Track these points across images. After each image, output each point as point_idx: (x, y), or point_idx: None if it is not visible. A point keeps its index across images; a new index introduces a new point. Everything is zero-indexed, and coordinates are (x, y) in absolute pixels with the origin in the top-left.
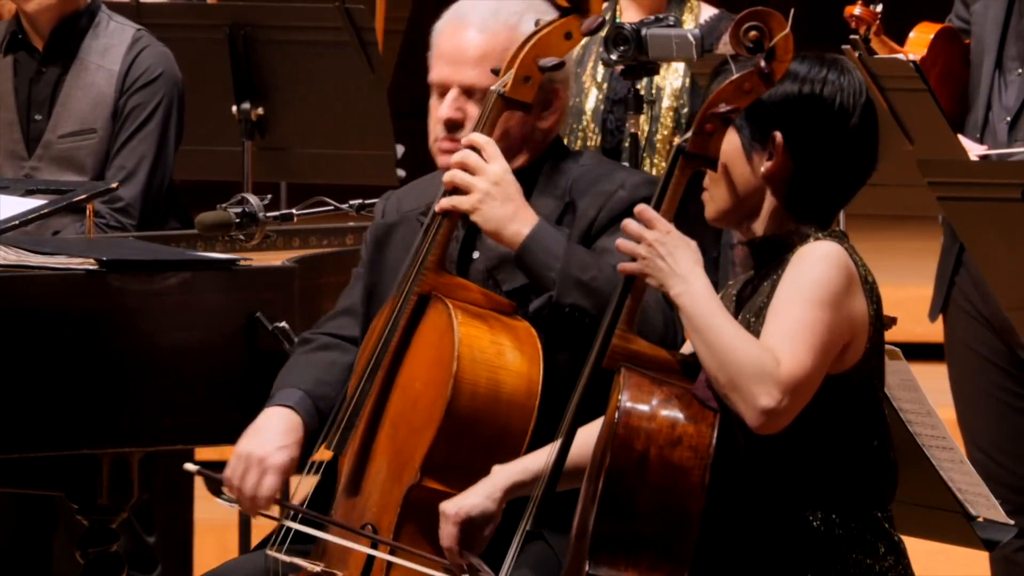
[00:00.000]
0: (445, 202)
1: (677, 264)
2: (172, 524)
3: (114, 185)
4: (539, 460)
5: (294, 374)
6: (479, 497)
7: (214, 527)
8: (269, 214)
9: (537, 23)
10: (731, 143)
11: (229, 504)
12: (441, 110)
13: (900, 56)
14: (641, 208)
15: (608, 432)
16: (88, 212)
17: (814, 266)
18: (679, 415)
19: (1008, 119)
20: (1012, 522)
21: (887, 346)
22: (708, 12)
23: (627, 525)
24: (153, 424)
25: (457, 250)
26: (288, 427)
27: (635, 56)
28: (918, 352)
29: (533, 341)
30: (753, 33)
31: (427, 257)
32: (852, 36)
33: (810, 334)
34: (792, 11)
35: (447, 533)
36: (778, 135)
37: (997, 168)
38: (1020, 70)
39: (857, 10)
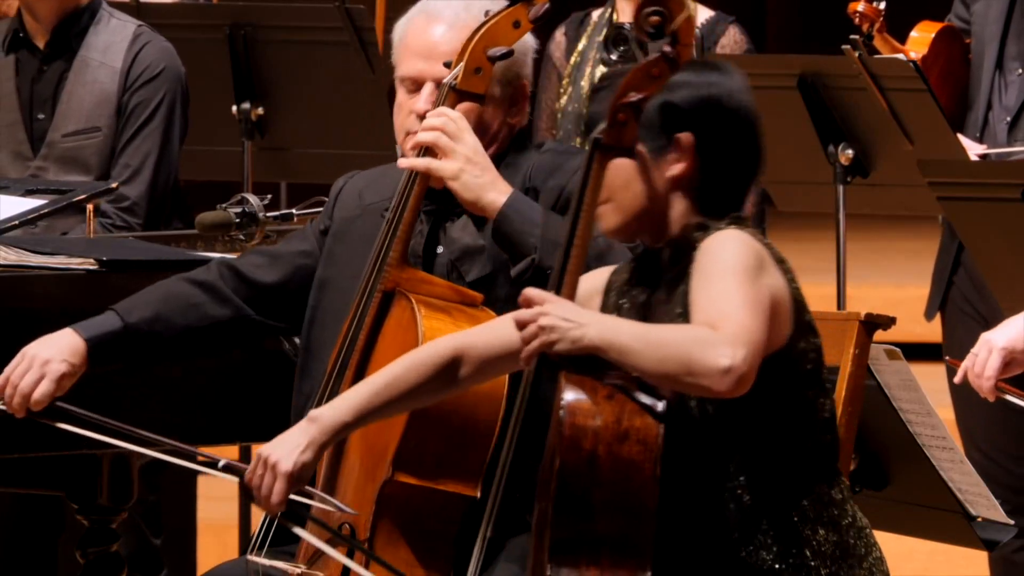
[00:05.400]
0: (422, 162)
1: (574, 316)
2: (175, 525)
3: (114, 185)
4: (354, 408)
5: (145, 299)
6: (307, 451)
7: (214, 527)
8: (269, 214)
9: (486, 14)
10: (627, 167)
11: None
12: (419, 103)
13: (900, 56)
14: (524, 293)
15: (555, 434)
16: (88, 212)
17: (721, 248)
18: (623, 409)
19: (1008, 119)
20: (1012, 522)
21: (887, 346)
22: (705, 14)
23: (584, 525)
24: (153, 424)
25: (422, 244)
26: (76, 351)
27: (635, 56)
28: (918, 352)
29: None
30: (654, 18)
31: (388, 253)
32: (852, 36)
33: (738, 297)
34: None
35: (279, 490)
36: (686, 137)
37: (997, 168)
38: (1020, 70)
39: (861, 7)
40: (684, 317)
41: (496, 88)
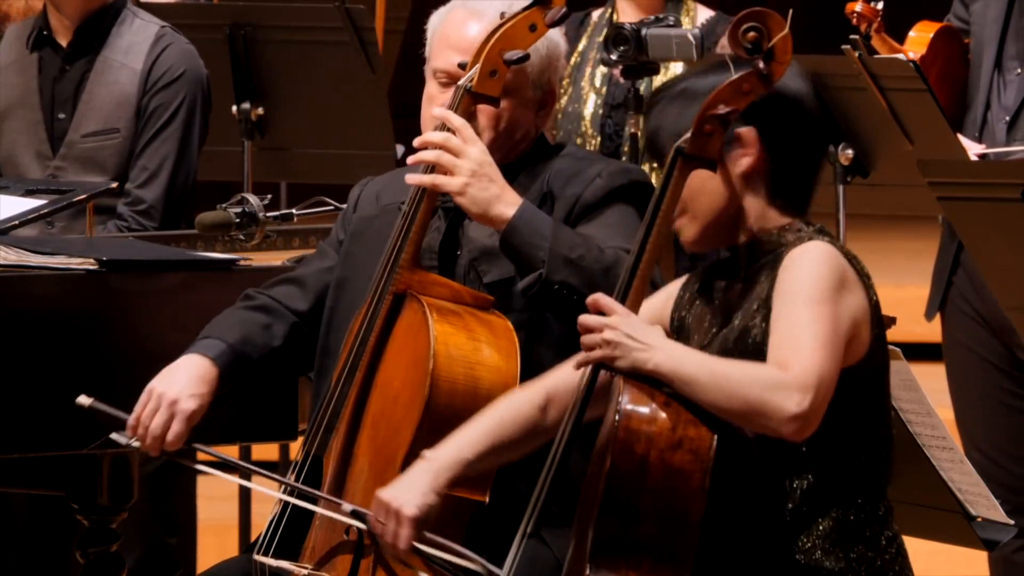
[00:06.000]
0: (427, 178)
1: (641, 336)
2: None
3: (114, 185)
4: (475, 448)
5: (224, 326)
6: (430, 494)
7: (214, 527)
8: (269, 214)
9: (502, 16)
10: (711, 179)
11: (126, 442)
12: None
13: (900, 56)
14: (595, 298)
15: (608, 435)
16: (88, 211)
17: (804, 268)
18: (679, 418)
19: (1007, 119)
20: (1012, 522)
21: (887, 346)
22: (705, 14)
23: (628, 529)
24: None
25: (439, 242)
26: (203, 377)
27: (635, 56)
28: (918, 352)
29: (510, 335)
30: (752, 34)
31: (400, 255)
32: (852, 36)
33: (814, 332)
34: (791, 12)
35: (404, 536)
36: (747, 131)
37: (997, 168)
38: (1019, 69)
39: (858, 7)
40: (763, 319)
41: (529, 91)
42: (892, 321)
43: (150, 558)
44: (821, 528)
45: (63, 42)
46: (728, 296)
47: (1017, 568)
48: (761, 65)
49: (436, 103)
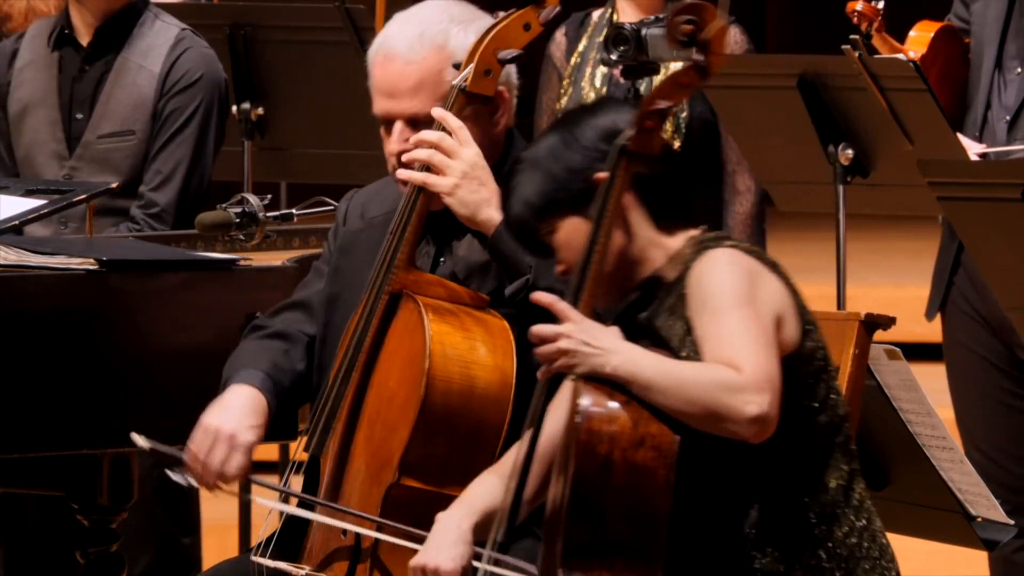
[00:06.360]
0: (419, 176)
1: (601, 342)
2: None
3: (114, 185)
4: (483, 499)
5: (250, 357)
6: (459, 543)
7: (215, 527)
8: (269, 214)
9: (495, 15)
10: (583, 225)
11: (184, 481)
12: (390, 145)
13: (900, 56)
14: (551, 301)
15: (571, 438)
16: (88, 211)
17: (713, 279)
18: (640, 415)
19: (1007, 118)
20: (1012, 522)
21: (887, 346)
22: None
23: (597, 530)
24: (153, 424)
25: (429, 266)
26: (255, 407)
27: (635, 56)
28: (918, 352)
29: (506, 335)
30: (687, 27)
31: (396, 255)
32: (852, 36)
33: (747, 333)
34: (726, 1)
35: None
36: (605, 175)
37: (997, 168)
38: (1020, 69)
39: (859, 6)
40: (690, 334)
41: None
42: (892, 321)
43: (165, 558)
44: (797, 515)
45: (84, 42)
46: (655, 325)
47: (1017, 568)
48: (699, 58)
49: (386, 147)
